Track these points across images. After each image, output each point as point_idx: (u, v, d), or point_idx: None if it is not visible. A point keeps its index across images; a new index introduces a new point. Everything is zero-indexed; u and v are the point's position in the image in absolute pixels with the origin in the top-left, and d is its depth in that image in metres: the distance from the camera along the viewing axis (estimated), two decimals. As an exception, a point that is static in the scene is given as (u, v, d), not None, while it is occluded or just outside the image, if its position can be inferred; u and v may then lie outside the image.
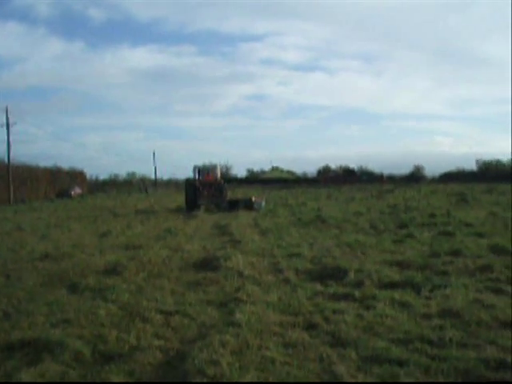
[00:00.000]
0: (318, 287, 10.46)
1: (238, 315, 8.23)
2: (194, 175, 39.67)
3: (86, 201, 62.01)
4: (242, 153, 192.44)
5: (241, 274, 11.77)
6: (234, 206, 35.86)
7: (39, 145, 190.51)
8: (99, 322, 8.41)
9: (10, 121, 62.86)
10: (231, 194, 44.55)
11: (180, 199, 51.76)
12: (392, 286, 10.29)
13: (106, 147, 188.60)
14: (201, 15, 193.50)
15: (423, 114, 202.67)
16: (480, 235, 17.28)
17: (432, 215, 24.97)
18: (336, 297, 9.60)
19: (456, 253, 13.64)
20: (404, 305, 8.88)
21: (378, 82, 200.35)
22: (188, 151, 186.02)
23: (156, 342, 7.39)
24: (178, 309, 9.07)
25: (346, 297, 9.53)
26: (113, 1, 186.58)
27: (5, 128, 62.74)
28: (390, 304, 8.95)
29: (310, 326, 7.83)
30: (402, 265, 12.42)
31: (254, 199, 37.04)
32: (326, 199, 46.80)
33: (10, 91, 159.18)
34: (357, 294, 9.62)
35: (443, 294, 9.45)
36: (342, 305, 8.95)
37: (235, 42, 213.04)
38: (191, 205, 36.33)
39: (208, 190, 37.54)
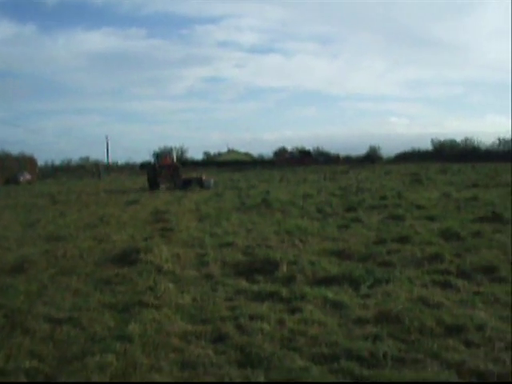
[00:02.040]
0: (243, 284, 9.11)
1: (132, 325, 6.81)
2: (154, 159, 47.69)
3: (33, 187, 59.70)
4: (200, 136, 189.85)
5: (159, 269, 10.36)
6: (187, 184, 40.12)
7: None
8: (-34, 335, 6.95)
9: None
10: (187, 175, 46.24)
11: (129, 184, 50.53)
12: (327, 281, 8.98)
13: (60, 132, 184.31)
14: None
15: (378, 96, 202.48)
16: (431, 218, 16.16)
17: (383, 197, 23.78)
18: (260, 296, 8.25)
19: (404, 239, 12.45)
20: (337, 306, 7.57)
21: (333, 63, 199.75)
22: (145, 135, 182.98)
23: (27, 364, 5.94)
24: (72, 315, 7.62)
25: (271, 296, 8.19)
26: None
27: None
28: (321, 305, 7.67)
29: (219, 338, 6.47)
30: (342, 255, 11.15)
31: (204, 178, 42.05)
32: (277, 181, 45.48)
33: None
34: (284, 292, 8.28)
35: (384, 291, 8.17)
36: (264, 307, 7.59)
37: (191, 24, 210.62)
38: (152, 185, 40.86)
39: (166, 171, 42.27)
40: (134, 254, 11.52)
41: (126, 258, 11.46)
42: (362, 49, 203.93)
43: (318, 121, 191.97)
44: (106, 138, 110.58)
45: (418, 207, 19.45)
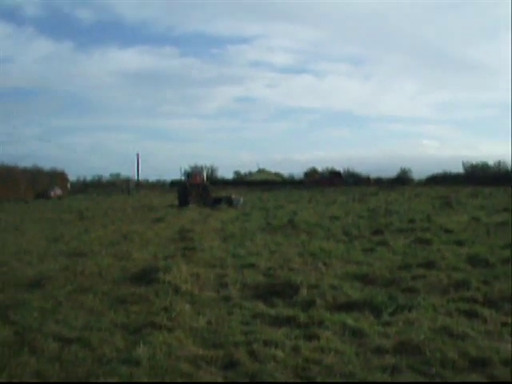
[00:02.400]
0: (261, 307, 8.82)
1: (141, 348, 6.56)
2: (184, 178, 48.50)
3: (62, 203, 60.12)
4: (230, 155, 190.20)
5: (177, 290, 10.12)
6: (217, 202, 41.72)
7: (24, 146, 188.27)
8: (-26, 353, 6.77)
9: None
10: (217, 194, 48.19)
11: (158, 201, 50.63)
12: (348, 307, 8.66)
13: (92, 148, 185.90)
14: (189, 17, 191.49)
15: (410, 118, 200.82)
16: (459, 243, 15.67)
17: (411, 220, 23.32)
18: (277, 321, 7.96)
19: (430, 264, 12.03)
20: (356, 334, 7.25)
21: (365, 84, 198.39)
22: (175, 153, 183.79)
23: (30, 385, 5.76)
24: (82, 335, 7.41)
25: (288, 321, 7.90)
26: (102, 2, 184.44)
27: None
28: (340, 332, 7.34)
29: (231, 364, 6.20)
30: (366, 279, 10.81)
31: (233, 197, 43.38)
32: (306, 202, 45.15)
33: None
34: (302, 317, 7.97)
35: (406, 319, 7.81)
36: (280, 333, 7.30)
37: (223, 44, 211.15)
38: (183, 202, 42.38)
39: (196, 190, 44.42)
40: (152, 273, 11.30)
41: (145, 276, 11.25)
42: (394, 70, 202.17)
43: (349, 142, 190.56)
44: (137, 155, 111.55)
45: (447, 231, 18.97)
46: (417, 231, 19.13)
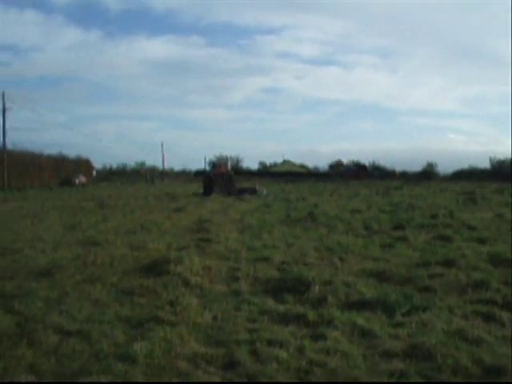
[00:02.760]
0: (270, 303, 8.53)
1: (139, 344, 6.30)
2: (209, 167, 52.64)
3: (86, 190, 60.37)
4: (256, 145, 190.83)
5: (186, 283, 9.86)
6: (241, 192, 43.42)
7: (50, 133, 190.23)
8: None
9: (7, 106, 61.75)
10: (242, 184, 50.98)
11: (181, 190, 50.62)
12: (360, 305, 8.33)
13: (119, 137, 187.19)
14: (217, 7, 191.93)
15: (437, 111, 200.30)
16: (481, 241, 15.19)
17: (434, 216, 22.84)
18: (285, 319, 7.66)
19: (449, 262, 11.60)
20: (366, 334, 6.92)
21: (393, 77, 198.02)
22: (201, 142, 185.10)
23: (23, 378, 5.58)
24: (83, 328, 7.20)
25: (297, 319, 7.60)
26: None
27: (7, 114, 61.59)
28: (349, 332, 7.02)
29: (230, 364, 5.92)
30: (381, 276, 10.47)
31: (257, 187, 46.58)
32: (329, 195, 44.77)
33: (24, 79, 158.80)
34: (311, 315, 7.67)
35: (420, 320, 7.46)
36: (286, 332, 6.99)
37: (251, 34, 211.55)
38: (207, 191, 43.59)
39: (220, 180, 45.56)
40: (163, 264, 11.06)
41: (156, 268, 11.02)
42: (423, 64, 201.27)
43: (375, 135, 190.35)
44: (162, 144, 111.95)
45: (469, 228, 18.48)
46: (439, 227, 18.70)
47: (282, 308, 8.18)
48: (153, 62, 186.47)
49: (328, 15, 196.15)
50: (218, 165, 54.68)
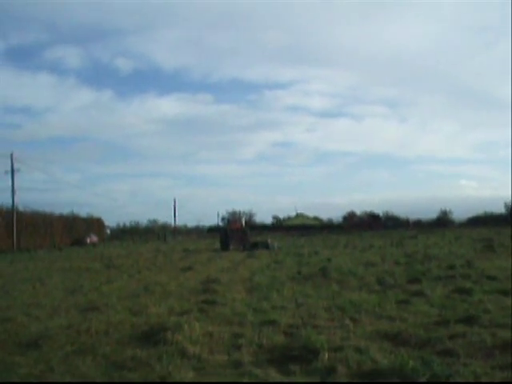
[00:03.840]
0: (273, 375, 7.63)
1: None
2: (223, 223, 57.54)
3: (96, 250, 59.69)
4: (269, 199, 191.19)
5: (183, 353, 8.99)
6: (254, 246, 46.21)
7: (64, 193, 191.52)
8: None
9: (15, 167, 62.71)
10: (255, 238, 52.96)
11: (193, 247, 50.02)
12: (374, 375, 7.43)
13: (132, 195, 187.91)
14: (225, 64, 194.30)
15: (448, 158, 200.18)
16: (504, 293, 14.27)
17: (451, 267, 21.92)
18: (288, 396, 6.79)
19: (470, 319, 10.70)
20: (380, 414, 6.04)
21: (402, 126, 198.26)
22: (214, 198, 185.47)
23: None
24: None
25: (301, 396, 6.72)
26: (138, 51, 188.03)
27: (16, 175, 62.05)
28: (361, 412, 6.13)
29: None
30: (397, 338, 9.56)
31: (269, 241, 48.13)
32: (342, 247, 43.88)
33: (37, 140, 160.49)
34: (318, 391, 6.79)
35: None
36: (289, 413, 6.13)
37: (260, 89, 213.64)
38: (224, 246, 47.05)
39: (236, 235, 48.70)
40: (161, 332, 10.21)
41: (153, 336, 10.17)
42: (431, 111, 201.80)
43: (388, 184, 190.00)
44: (174, 200, 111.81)
45: (490, 278, 17.56)
46: (456, 279, 17.79)
47: (285, 382, 7.29)
48: (164, 119, 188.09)
49: (335, 67, 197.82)
50: (233, 221, 56.61)
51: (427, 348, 8.86)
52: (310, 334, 9.74)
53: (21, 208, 65.24)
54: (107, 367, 8.45)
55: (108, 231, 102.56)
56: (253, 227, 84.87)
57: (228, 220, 63.76)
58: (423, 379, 7.06)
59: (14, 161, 62.57)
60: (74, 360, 8.89)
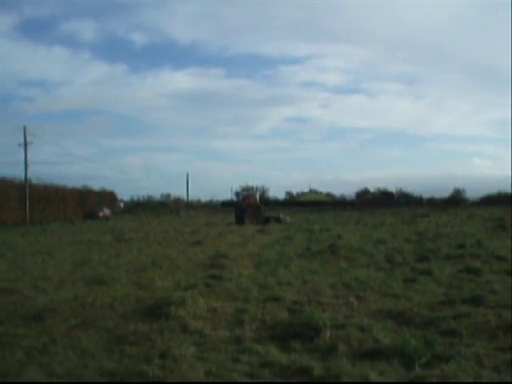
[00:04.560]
0: (273, 353, 7.57)
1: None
2: (237, 198, 61.68)
3: (108, 223, 59.90)
4: (282, 175, 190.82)
5: (185, 328, 8.98)
6: (267, 220, 49.00)
7: (77, 166, 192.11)
8: None
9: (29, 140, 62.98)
10: (268, 213, 55.20)
11: (204, 221, 50.12)
12: (375, 354, 7.34)
13: (146, 169, 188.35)
14: (241, 39, 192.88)
15: (462, 136, 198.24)
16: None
17: (461, 246, 21.79)
18: (288, 373, 6.73)
19: (476, 300, 10.60)
20: (378, 394, 5.98)
21: (418, 103, 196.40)
22: (228, 173, 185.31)
23: None
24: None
25: (300, 374, 6.66)
26: (154, 25, 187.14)
27: (29, 148, 62.34)
28: (358, 391, 6.08)
29: None
30: (401, 318, 9.48)
31: (281, 216, 51.17)
32: (353, 224, 43.74)
33: (51, 113, 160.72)
34: (317, 369, 6.72)
35: (442, 375, 6.43)
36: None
37: (276, 64, 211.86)
38: (240, 220, 49.54)
39: (250, 210, 51.74)
40: (165, 306, 10.20)
41: (157, 310, 10.15)
42: (447, 89, 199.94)
43: (401, 161, 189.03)
44: (187, 175, 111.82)
45: (499, 258, 17.42)
46: (465, 258, 17.66)
47: (285, 359, 7.21)
48: (179, 94, 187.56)
49: (351, 44, 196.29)
50: (247, 197, 57.69)
51: (431, 328, 8.78)
52: (313, 311, 9.70)
53: (34, 181, 65.61)
54: (109, 341, 8.43)
55: (121, 205, 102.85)
56: (266, 203, 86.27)
57: (243, 196, 61.34)
58: (424, 360, 6.97)
59: (27, 134, 62.62)
60: (77, 333, 8.88)
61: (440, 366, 6.78)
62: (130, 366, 7.04)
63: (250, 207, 52.63)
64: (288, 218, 51.85)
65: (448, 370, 6.61)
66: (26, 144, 61.96)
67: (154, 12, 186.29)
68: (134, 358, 7.49)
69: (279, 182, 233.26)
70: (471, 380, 6.27)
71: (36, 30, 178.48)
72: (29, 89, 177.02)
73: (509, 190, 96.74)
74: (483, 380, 6.28)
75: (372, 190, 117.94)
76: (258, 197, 58.05)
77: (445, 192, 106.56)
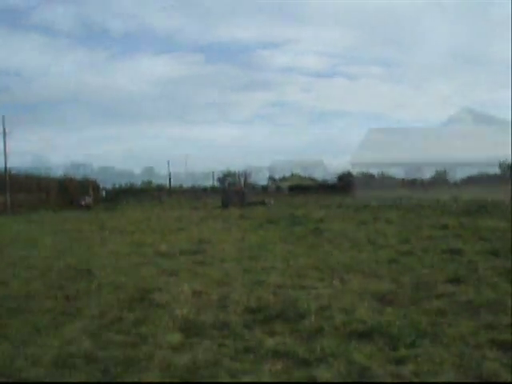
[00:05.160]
0: (258, 336, 7.59)
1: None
2: (222, 185, 67.43)
3: (91, 211, 59.61)
4: (264, 160, 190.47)
5: (170, 314, 8.95)
6: (252, 204, 51.89)
7: (57, 156, 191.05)
8: None
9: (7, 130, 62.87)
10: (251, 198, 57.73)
11: (188, 208, 50.08)
12: (361, 335, 7.39)
13: (125, 157, 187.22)
14: (218, 24, 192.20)
15: (443, 119, 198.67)
16: (494, 253, 14.25)
17: (444, 226, 21.94)
18: (273, 356, 6.71)
19: (459, 279, 10.73)
20: (362, 374, 5.99)
21: (398, 87, 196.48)
22: (209, 159, 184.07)
23: None
24: (47, 374, 6.33)
25: (286, 356, 6.67)
26: (131, 12, 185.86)
27: (8, 137, 62.11)
28: (344, 372, 6.08)
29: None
30: (385, 299, 9.53)
31: (266, 200, 54.54)
32: (336, 207, 43.81)
33: (29, 103, 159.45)
34: (302, 352, 6.74)
35: (427, 353, 6.50)
36: (273, 373, 6.10)
37: (254, 49, 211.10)
38: (225, 204, 51.41)
39: (235, 195, 55.53)
40: (148, 293, 10.21)
41: (141, 297, 10.18)
42: (426, 72, 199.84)
43: (384, 144, 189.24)
44: (168, 162, 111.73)
45: (481, 239, 17.54)
46: (448, 239, 17.78)
47: (271, 342, 7.23)
48: (157, 81, 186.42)
49: (328, 27, 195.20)
50: (233, 183, 68.57)
51: (415, 307, 8.84)
52: (298, 294, 9.75)
53: (14, 171, 65.17)
54: (94, 330, 8.39)
55: (103, 193, 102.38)
56: (252, 187, 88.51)
57: (229, 182, 75.51)
58: (409, 340, 7.01)
59: (5, 123, 62.28)
60: (61, 322, 8.85)
61: (424, 345, 6.83)
62: (116, 353, 7.03)
63: (235, 193, 57.74)
64: (272, 201, 55.35)
65: (432, 350, 6.67)
66: (5, 134, 61.59)
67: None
68: (117, 345, 7.46)
69: (261, 167, 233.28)
70: (455, 360, 6.29)
71: (11, 18, 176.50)
72: (5, 78, 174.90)
73: (490, 171, 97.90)
74: (466, 360, 6.30)
75: (355, 173, 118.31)
76: (242, 183, 65.82)
77: (426, 173, 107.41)
